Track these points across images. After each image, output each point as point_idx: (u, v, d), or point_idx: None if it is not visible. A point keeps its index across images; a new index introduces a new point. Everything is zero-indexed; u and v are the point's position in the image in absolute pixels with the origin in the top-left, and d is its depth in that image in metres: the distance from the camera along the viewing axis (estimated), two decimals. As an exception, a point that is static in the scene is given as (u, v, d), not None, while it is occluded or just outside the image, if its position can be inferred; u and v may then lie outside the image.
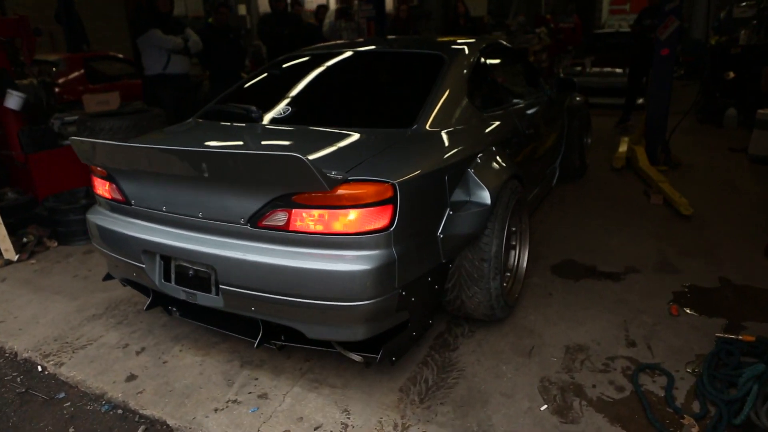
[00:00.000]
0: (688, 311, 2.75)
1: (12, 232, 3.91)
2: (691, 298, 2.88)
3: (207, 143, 2.49)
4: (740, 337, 2.41)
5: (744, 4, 10.21)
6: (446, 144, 2.38)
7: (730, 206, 4.25)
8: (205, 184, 2.08)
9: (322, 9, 7.88)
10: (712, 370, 2.22)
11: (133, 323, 2.89)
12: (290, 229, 1.97)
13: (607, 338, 2.55)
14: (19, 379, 2.54)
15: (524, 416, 2.08)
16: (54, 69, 6.80)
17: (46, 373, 2.55)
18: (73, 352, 2.66)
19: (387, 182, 1.92)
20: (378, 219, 1.92)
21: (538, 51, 12.58)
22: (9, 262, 3.72)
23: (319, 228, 1.94)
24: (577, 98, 4.76)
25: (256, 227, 2.02)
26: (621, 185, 4.95)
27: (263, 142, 2.47)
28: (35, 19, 9.74)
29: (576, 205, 4.42)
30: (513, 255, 2.88)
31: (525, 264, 2.92)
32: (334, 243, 1.94)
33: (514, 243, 2.87)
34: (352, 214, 1.91)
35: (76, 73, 6.99)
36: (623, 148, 5.72)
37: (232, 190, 2.03)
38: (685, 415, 2.03)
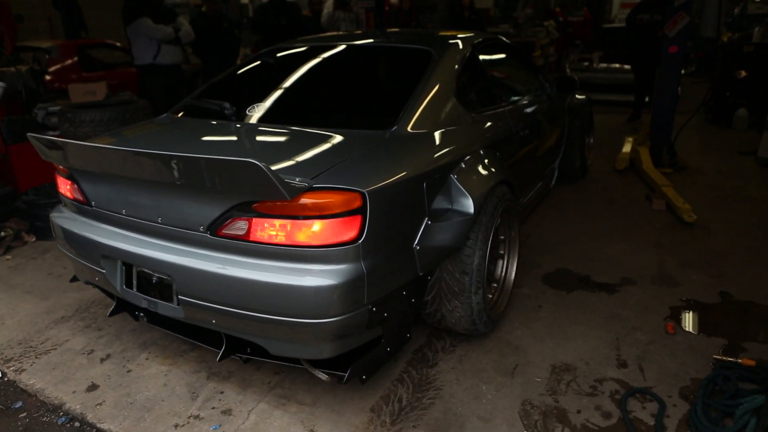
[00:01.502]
0: (685, 329, 2.59)
1: (-11, 225, 3.80)
2: (689, 315, 2.71)
3: (171, 143, 2.34)
4: (740, 360, 2.25)
5: (760, 0, 9.91)
6: (427, 147, 2.22)
7: (737, 214, 4.07)
8: (165, 188, 1.94)
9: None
10: (707, 397, 2.06)
11: (101, 327, 2.77)
12: (251, 239, 1.82)
13: (597, 357, 2.39)
14: (-23, 386, 2.43)
15: (501, 444, 1.93)
16: (47, 56, 6.66)
17: (6, 379, 2.43)
18: (36, 358, 2.54)
19: (356, 191, 1.77)
20: (345, 231, 1.77)
21: (546, 44, 12.34)
22: (-18, 258, 3.61)
23: (282, 239, 1.79)
24: (579, 97, 4.56)
25: (215, 236, 1.88)
26: (623, 188, 4.77)
27: (228, 143, 2.32)
28: (34, 5, 9.63)
29: (574, 209, 4.25)
30: (500, 265, 2.72)
31: (513, 275, 2.76)
32: (298, 255, 1.79)
33: (502, 252, 2.72)
34: (317, 225, 1.76)
35: (69, 61, 6.83)
36: (627, 148, 5.53)
37: (192, 195, 1.89)
38: (675, 449, 1.88)
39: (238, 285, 1.82)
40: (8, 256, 3.67)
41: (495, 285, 2.67)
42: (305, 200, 1.73)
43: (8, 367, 2.49)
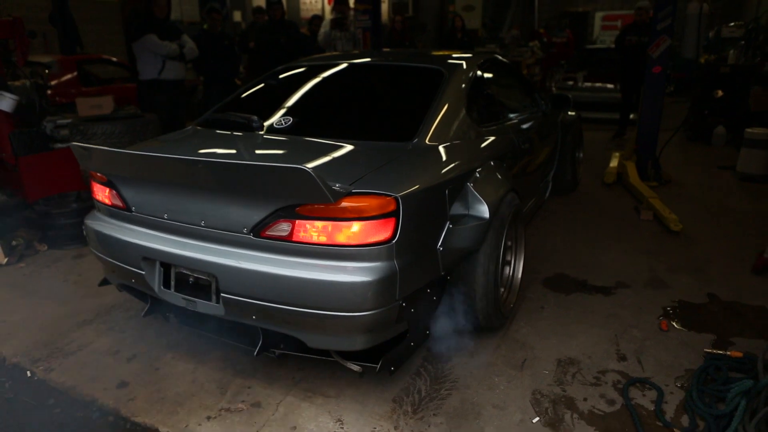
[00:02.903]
0: (677, 326, 2.79)
1: (1, 235, 3.88)
2: (680, 314, 2.92)
3: (209, 152, 2.49)
4: (728, 353, 2.45)
5: (732, 24, 10.42)
6: (446, 158, 2.40)
7: (719, 223, 4.33)
8: (209, 193, 2.09)
9: (317, 19, 7.93)
10: (701, 385, 2.25)
11: (124, 329, 2.87)
12: (293, 239, 1.98)
13: (598, 352, 2.58)
14: (7, 385, 2.51)
15: (516, 428, 2.09)
16: (47, 71, 6.76)
17: (36, 378, 2.53)
18: (63, 358, 2.64)
19: (390, 195, 1.94)
20: (381, 231, 1.95)
21: (531, 64, 12.74)
22: (-2, 266, 3.68)
23: (323, 239, 1.95)
24: (570, 113, 4.82)
25: (259, 237, 2.03)
26: (612, 200, 5.02)
27: (266, 153, 2.48)
28: (30, 20, 9.70)
29: (567, 219, 4.47)
30: (508, 267, 2.91)
31: (520, 275, 2.95)
32: (337, 254, 1.95)
33: (510, 254, 2.91)
34: (356, 226, 1.93)
35: (69, 76, 6.95)
36: (614, 163, 5.80)
37: (236, 199, 2.04)
38: (674, 429, 2.06)
39: (280, 282, 1.97)
40: (22, 264, 3.75)
41: (502, 289, 2.84)
42: (345, 204, 1.90)
43: (37, 367, 2.58)
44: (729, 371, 2.33)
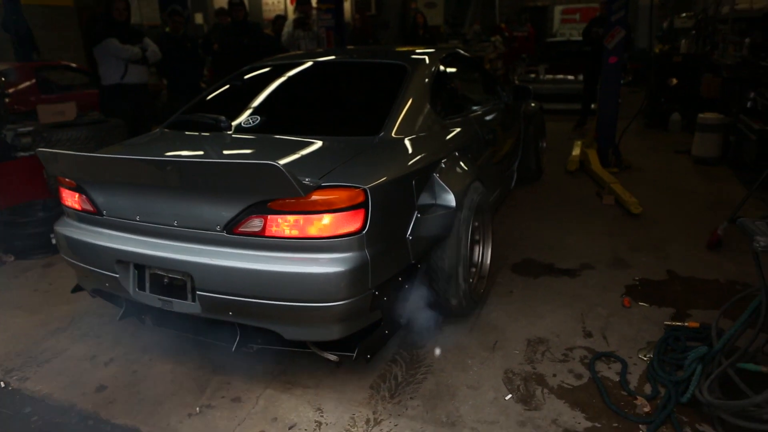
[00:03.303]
0: (639, 303, 2.94)
1: (-36, 247, 3.80)
2: (641, 291, 3.07)
3: (178, 153, 2.51)
4: (686, 324, 2.60)
5: (684, 15, 10.81)
6: (411, 150, 2.48)
7: (676, 204, 4.53)
8: (180, 193, 2.12)
9: (280, 19, 7.91)
10: (661, 355, 2.39)
11: (99, 335, 2.86)
12: (266, 234, 2.02)
13: (566, 330, 2.69)
14: (-19, 397, 2.48)
15: (490, 406, 2.18)
16: (2, 79, 6.58)
17: (10, 388, 2.50)
18: (38, 366, 2.62)
19: (358, 187, 2.00)
20: (351, 223, 2.01)
21: (494, 59, 12.96)
22: (-37, 278, 3.60)
23: (294, 233, 2.00)
24: (532, 104, 4.96)
25: (232, 234, 2.06)
26: (575, 187, 5.19)
27: (235, 151, 2.52)
28: (-19, 28, 9.39)
29: (533, 207, 4.61)
30: (477, 252, 3.00)
31: (489, 261, 3.05)
32: (310, 247, 2.01)
33: (478, 239, 3.00)
34: (326, 219, 1.98)
35: (27, 83, 6.77)
36: (576, 151, 5.98)
37: (208, 198, 2.07)
38: (638, 397, 2.18)
39: (255, 277, 2.01)
40: (-12, 276, 3.68)
41: (474, 269, 2.94)
42: (315, 197, 1.95)
43: (11, 377, 2.56)
44: (687, 341, 2.47)
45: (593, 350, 2.52)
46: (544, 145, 5.55)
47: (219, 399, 2.32)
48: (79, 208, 2.43)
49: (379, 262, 2.10)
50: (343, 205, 1.98)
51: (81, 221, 2.47)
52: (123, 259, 2.29)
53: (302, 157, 2.26)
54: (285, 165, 1.76)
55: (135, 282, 2.33)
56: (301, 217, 1.98)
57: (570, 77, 9.32)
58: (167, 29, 6.28)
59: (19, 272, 3.73)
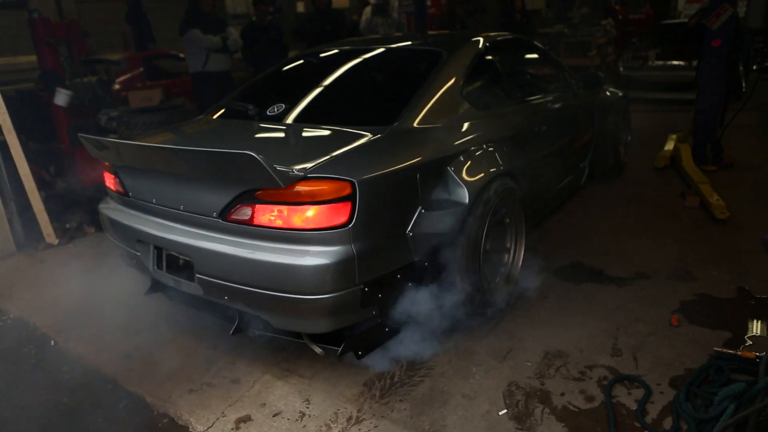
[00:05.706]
0: (690, 322, 2.56)
1: (58, 218, 4.27)
2: (698, 309, 2.68)
3: (194, 140, 2.61)
4: (739, 352, 2.21)
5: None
6: (422, 142, 2.35)
7: (775, 212, 3.90)
8: (184, 179, 2.20)
9: (362, 5, 7.92)
10: (694, 386, 2.06)
11: (137, 308, 3.06)
12: (255, 223, 2.04)
13: (592, 346, 2.43)
14: (33, 351, 2.78)
15: (479, 419, 2.03)
16: (117, 68, 7.31)
17: (57, 347, 2.78)
18: (84, 330, 2.88)
19: (345, 180, 1.94)
20: (336, 216, 1.95)
21: (603, 44, 11.99)
22: (50, 246, 4.06)
23: (280, 223, 1.99)
24: (611, 92, 4.51)
25: (226, 221, 2.11)
26: (658, 185, 4.65)
27: (243, 140, 2.56)
28: (111, 21, 10.49)
29: (602, 206, 4.21)
30: (507, 255, 2.80)
31: (520, 263, 2.84)
32: (294, 238, 1.99)
33: (508, 244, 2.80)
34: (311, 211, 1.94)
35: (135, 71, 7.46)
36: (669, 146, 5.36)
37: (205, 185, 2.13)
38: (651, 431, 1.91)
39: (244, 264, 2.04)
40: (71, 245, 4.12)
41: (502, 270, 2.75)
42: (300, 188, 1.93)
43: (61, 337, 2.84)
44: (733, 372, 2.11)
45: (617, 371, 2.24)
46: (629, 138, 5.04)
47: (220, 378, 2.39)
48: (114, 189, 2.62)
49: (369, 258, 2.02)
50: (328, 198, 1.93)
51: (116, 202, 2.66)
52: (142, 239, 2.43)
53: (302, 146, 2.25)
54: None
55: (155, 261, 2.47)
56: (285, 208, 1.96)
57: (683, 63, 8.35)
58: (253, 18, 6.55)
59: (95, 244, 4.12)
